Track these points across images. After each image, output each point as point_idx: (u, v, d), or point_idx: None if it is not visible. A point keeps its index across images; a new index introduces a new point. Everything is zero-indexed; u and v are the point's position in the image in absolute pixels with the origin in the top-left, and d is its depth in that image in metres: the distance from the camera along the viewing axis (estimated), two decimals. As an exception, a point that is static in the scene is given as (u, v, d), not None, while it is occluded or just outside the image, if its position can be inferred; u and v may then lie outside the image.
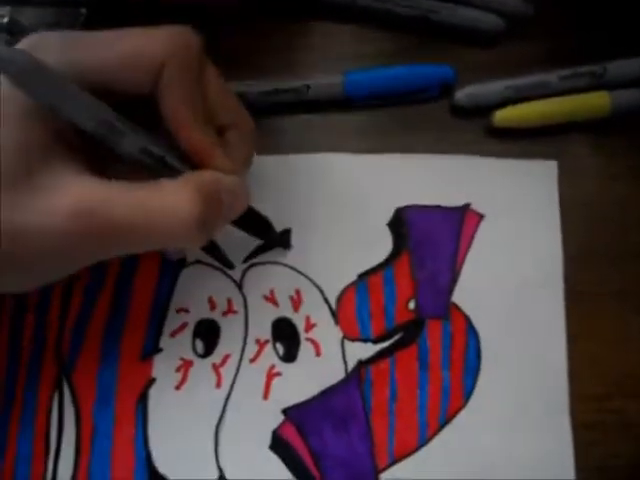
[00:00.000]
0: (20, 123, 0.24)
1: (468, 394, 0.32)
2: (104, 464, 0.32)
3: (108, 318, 0.33)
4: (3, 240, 0.23)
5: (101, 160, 0.27)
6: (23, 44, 0.25)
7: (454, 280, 0.34)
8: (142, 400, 0.32)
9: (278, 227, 0.34)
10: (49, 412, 0.32)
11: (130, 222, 0.24)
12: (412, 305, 0.34)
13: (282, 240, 0.34)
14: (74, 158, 0.25)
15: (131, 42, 0.26)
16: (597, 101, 0.35)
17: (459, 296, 0.34)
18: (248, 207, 0.30)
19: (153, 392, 0.32)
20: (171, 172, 0.26)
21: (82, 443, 0.32)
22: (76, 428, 0.32)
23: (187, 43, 0.26)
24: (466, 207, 0.35)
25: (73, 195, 0.24)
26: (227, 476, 0.31)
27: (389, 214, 0.35)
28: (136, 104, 0.27)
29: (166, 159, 0.26)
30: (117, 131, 0.25)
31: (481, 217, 0.34)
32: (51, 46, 0.25)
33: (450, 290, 0.34)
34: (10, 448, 0.32)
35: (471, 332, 0.33)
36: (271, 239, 0.34)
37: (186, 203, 0.25)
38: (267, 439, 0.32)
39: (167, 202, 0.25)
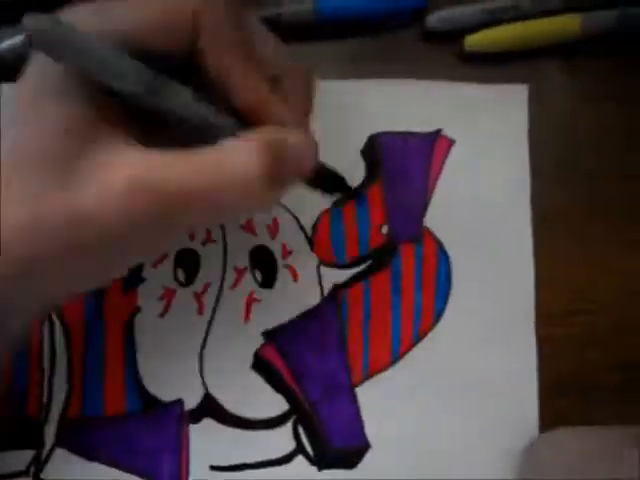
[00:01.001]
0: (60, 101, 0.22)
1: (439, 314, 0.34)
2: (96, 388, 0.34)
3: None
4: (68, 227, 0.22)
5: (147, 132, 0.25)
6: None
7: (426, 204, 0.35)
8: (129, 327, 0.34)
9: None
10: (41, 343, 0.34)
11: (192, 190, 0.22)
12: (385, 230, 0.35)
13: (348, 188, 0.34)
14: (121, 131, 0.23)
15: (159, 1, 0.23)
16: (568, 23, 0.35)
17: (431, 220, 0.35)
18: (318, 163, 0.27)
19: (139, 320, 0.34)
20: (225, 133, 0.24)
21: (74, 371, 0.34)
22: (67, 358, 0.34)
23: None
24: (437, 132, 0.35)
25: (125, 169, 0.22)
26: (212, 393, 0.33)
27: (362, 141, 0.35)
28: (177, 73, 0.24)
29: (220, 115, 0.24)
30: (164, 88, 0.23)
31: (452, 142, 0.35)
32: (82, 19, 0.22)
33: (422, 214, 0.35)
34: (6, 375, 0.34)
35: (442, 255, 0.34)
36: (342, 191, 0.34)
37: (251, 162, 0.22)
38: (249, 359, 0.34)
39: (230, 163, 0.22)
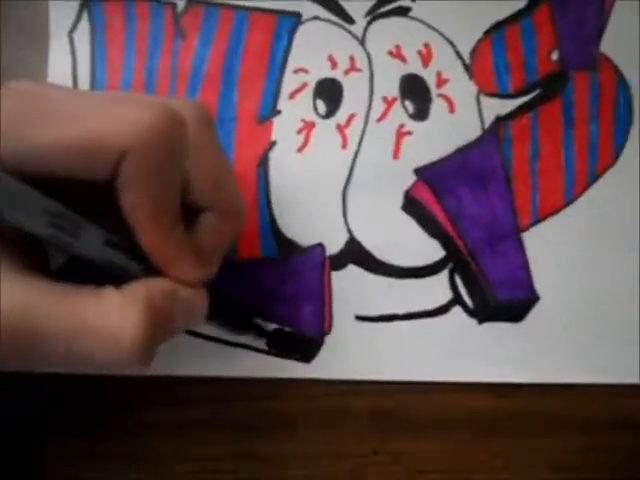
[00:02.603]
0: None
1: (618, 150, 0.30)
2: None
3: (220, 80, 0.31)
4: None
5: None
6: None
7: (602, 27, 0.30)
8: (263, 164, 0.30)
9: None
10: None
11: (58, 336, 0.20)
12: (555, 56, 0.30)
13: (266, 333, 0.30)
14: (9, 257, 0.21)
15: (92, 125, 0.20)
16: None
17: (608, 45, 0.30)
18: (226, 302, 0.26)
19: (274, 155, 0.30)
20: (134, 276, 0.22)
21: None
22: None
23: (163, 128, 0.20)
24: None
25: None
26: (357, 237, 0.30)
27: (528, -44, 0.31)
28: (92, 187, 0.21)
29: (130, 260, 0.22)
30: (73, 230, 0.20)
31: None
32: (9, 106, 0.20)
33: (597, 38, 0.30)
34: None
35: (621, 84, 0.30)
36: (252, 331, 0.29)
37: (130, 325, 0.20)
38: (399, 200, 0.30)
39: (107, 320, 0.20)
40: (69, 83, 0.31)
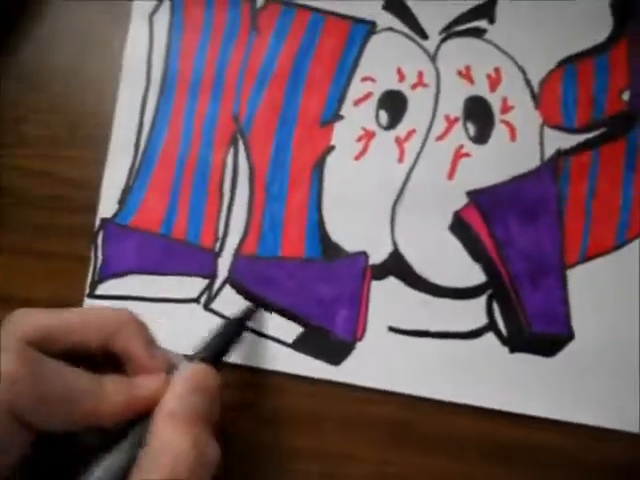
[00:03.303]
0: None
1: (678, 200, 0.29)
2: (275, 227, 0.31)
3: (288, 79, 0.32)
4: None
5: None
6: None
7: (679, 74, 0.30)
8: (319, 166, 0.31)
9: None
10: (223, 170, 0.32)
11: None
12: (626, 96, 0.30)
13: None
14: None
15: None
16: None
17: (683, 92, 0.30)
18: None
19: (331, 160, 0.31)
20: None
21: (254, 205, 0.31)
22: (249, 189, 0.31)
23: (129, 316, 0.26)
24: None
25: None
26: (401, 251, 0.30)
27: (614, -8, 0.30)
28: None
29: None
30: None
31: None
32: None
33: (673, 85, 0.30)
34: (183, 204, 0.32)
35: (691, 134, 0.29)
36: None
37: None
38: (447, 219, 0.30)
39: None
40: (143, 65, 0.33)
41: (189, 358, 0.26)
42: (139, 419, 0.24)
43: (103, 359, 0.25)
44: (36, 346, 0.23)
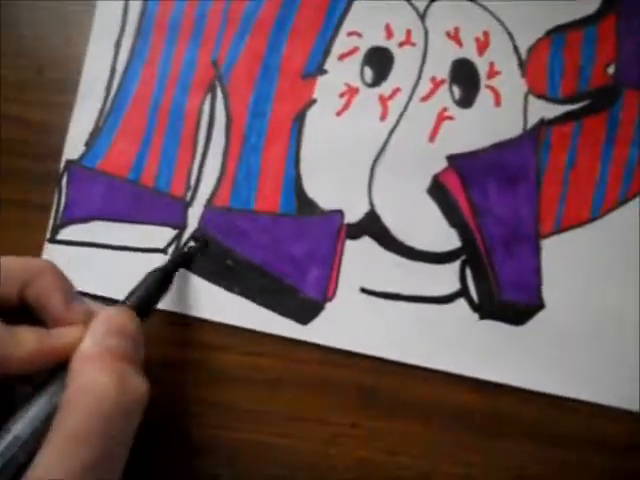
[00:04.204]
0: None
1: (654, 176, 0.29)
2: (250, 179, 0.30)
3: (272, 28, 0.30)
4: None
5: None
6: None
7: (664, 52, 0.30)
8: (299, 120, 0.30)
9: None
10: (198, 118, 0.30)
11: None
12: (611, 70, 0.30)
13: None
14: None
15: None
16: None
17: (667, 70, 0.30)
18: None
19: (312, 113, 0.30)
20: None
21: (229, 155, 0.30)
22: (225, 138, 0.30)
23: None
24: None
25: None
26: (377, 211, 0.30)
27: (607, -36, 0.30)
28: None
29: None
30: None
31: None
32: None
33: (657, 62, 0.30)
34: (154, 151, 0.31)
35: (671, 112, 0.29)
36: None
37: None
38: (426, 182, 0.30)
39: None
40: (119, 7, 0.31)
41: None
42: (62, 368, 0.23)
43: (20, 311, 0.24)
44: None
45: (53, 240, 0.31)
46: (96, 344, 0.23)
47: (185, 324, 0.30)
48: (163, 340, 0.30)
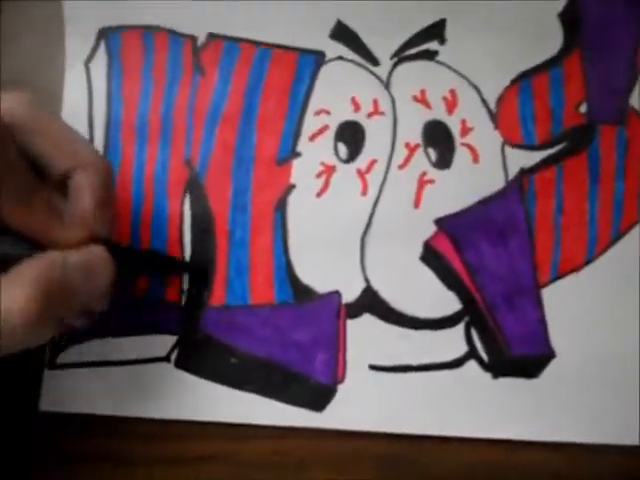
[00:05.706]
0: None
1: (643, 208, 0.29)
2: (242, 275, 0.30)
3: (240, 118, 0.30)
4: None
5: None
6: None
7: (632, 81, 0.29)
8: (281, 207, 0.30)
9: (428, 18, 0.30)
10: (181, 220, 0.30)
11: None
12: (583, 109, 0.29)
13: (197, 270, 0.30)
14: None
15: None
16: None
17: (637, 100, 0.29)
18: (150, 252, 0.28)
19: (292, 199, 0.30)
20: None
21: (218, 253, 0.30)
22: (211, 237, 0.30)
23: None
24: (653, -5, 0.29)
25: None
26: (374, 286, 0.29)
27: (561, 2, 0.30)
28: None
29: (16, 244, 0.23)
30: None
31: (673, 5, 0.29)
32: None
33: (627, 92, 0.29)
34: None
35: (650, 140, 0.29)
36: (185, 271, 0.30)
37: (19, 303, 0.21)
38: (418, 249, 0.29)
39: None
40: (84, 114, 0.31)
41: None
42: None
43: None
44: None
45: (53, 366, 0.30)
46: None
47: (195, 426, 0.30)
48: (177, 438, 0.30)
